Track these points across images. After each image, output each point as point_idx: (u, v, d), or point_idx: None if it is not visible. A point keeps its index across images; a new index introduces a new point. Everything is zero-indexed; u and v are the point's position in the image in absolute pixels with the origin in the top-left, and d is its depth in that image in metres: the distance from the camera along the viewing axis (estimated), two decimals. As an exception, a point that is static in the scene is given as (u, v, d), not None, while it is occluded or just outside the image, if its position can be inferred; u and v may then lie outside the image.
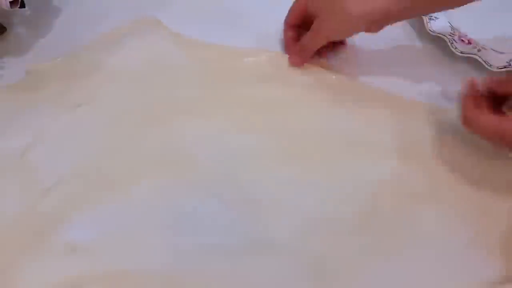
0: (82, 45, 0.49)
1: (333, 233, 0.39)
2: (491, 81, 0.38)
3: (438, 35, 0.46)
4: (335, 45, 0.47)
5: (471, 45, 0.46)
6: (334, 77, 0.46)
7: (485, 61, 0.44)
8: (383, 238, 0.38)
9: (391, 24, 0.42)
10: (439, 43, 0.47)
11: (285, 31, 0.48)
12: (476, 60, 0.44)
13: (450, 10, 0.43)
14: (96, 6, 0.53)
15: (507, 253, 0.38)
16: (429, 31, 0.47)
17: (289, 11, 0.47)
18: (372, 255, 0.38)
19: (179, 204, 0.40)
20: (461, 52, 0.45)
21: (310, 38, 0.45)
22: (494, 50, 0.45)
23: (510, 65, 0.44)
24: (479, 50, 0.45)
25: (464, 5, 0.41)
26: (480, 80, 0.38)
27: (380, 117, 0.44)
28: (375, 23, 0.42)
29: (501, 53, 0.45)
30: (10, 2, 0.45)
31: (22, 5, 0.47)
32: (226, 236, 0.39)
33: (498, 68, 0.44)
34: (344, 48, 0.48)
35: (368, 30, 0.42)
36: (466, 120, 0.38)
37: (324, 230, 0.39)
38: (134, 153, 0.43)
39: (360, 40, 0.48)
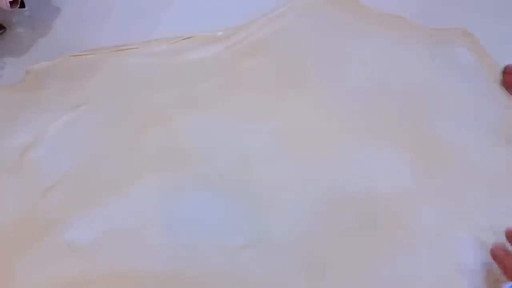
0: (82, 45, 0.49)
1: (333, 233, 0.39)
2: None
3: None
4: None
5: None
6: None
7: None
8: (383, 238, 0.38)
9: None
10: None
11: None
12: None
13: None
14: (96, 6, 0.53)
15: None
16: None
17: None
18: (372, 255, 0.38)
19: (179, 204, 0.40)
20: None
21: None
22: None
23: None
24: None
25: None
26: None
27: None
28: None
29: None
30: (10, 2, 0.45)
31: (22, 5, 0.47)
32: (226, 236, 0.39)
33: None
34: None
35: None
36: None
37: (324, 230, 0.39)
38: (134, 152, 0.43)
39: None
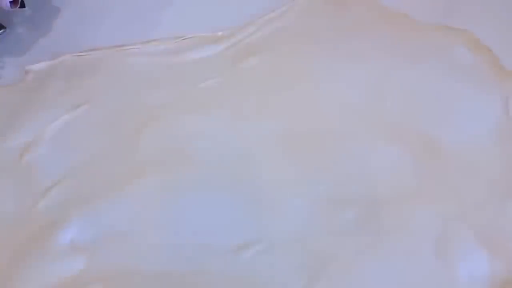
0: (82, 45, 0.49)
1: (333, 233, 0.39)
2: None
3: None
4: None
5: None
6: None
7: None
8: (383, 238, 0.38)
9: None
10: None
11: None
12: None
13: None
14: (96, 6, 0.53)
15: (508, 253, 0.38)
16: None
17: None
18: (372, 255, 0.38)
19: (179, 204, 0.40)
20: None
21: None
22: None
23: None
24: None
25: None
26: None
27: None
28: None
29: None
30: (10, 2, 0.45)
31: (22, 5, 0.47)
32: (226, 236, 0.39)
33: None
34: None
35: None
36: None
37: (324, 230, 0.39)
38: (134, 153, 0.43)
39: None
